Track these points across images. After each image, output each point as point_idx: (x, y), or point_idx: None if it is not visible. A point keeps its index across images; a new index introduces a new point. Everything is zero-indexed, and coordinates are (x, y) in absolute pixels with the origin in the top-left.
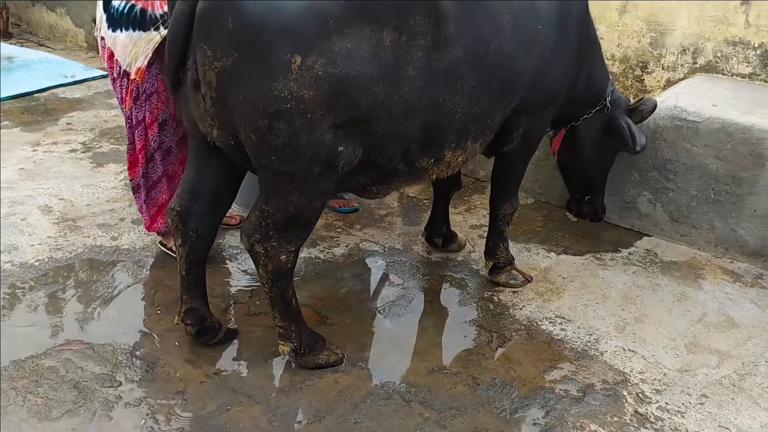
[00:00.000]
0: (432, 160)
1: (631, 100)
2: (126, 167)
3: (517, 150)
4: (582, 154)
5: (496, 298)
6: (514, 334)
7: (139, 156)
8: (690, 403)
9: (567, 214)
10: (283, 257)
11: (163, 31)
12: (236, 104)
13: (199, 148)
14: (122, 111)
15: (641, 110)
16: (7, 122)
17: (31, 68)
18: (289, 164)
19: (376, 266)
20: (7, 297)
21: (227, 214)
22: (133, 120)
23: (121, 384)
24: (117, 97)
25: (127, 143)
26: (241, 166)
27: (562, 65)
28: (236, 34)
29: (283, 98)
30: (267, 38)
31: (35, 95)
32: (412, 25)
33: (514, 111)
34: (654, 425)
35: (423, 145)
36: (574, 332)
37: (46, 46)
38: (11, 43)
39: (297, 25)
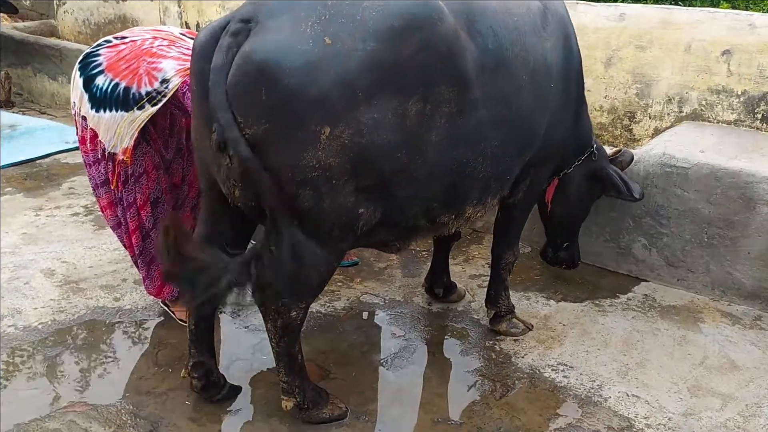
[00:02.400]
0: (453, 216)
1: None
2: None
3: (521, 201)
4: (569, 201)
5: (497, 347)
6: (517, 382)
7: (133, 237)
8: None
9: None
10: (293, 313)
11: (150, 109)
12: (263, 171)
13: (213, 204)
14: (98, 193)
15: (620, 161)
16: (10, 188)
17: (34, 135)
18: (311, 227)
19: (378, 319)
20: (11, 360)
21: None
22: (124, 202)
23: None
24: (95, 182)
25: (111, 225)
26: (252, 222)
27: (567, 118)
28: (269, 106)
29: (311, 167)
30: (299, 110)
31: (38, 161)
32: (437, 94)
33: (525, 164)
34: None
35: (445, 203)
36: (576, 379)
37: (48, 114)
38: (14, 112)
39: (328, 98)
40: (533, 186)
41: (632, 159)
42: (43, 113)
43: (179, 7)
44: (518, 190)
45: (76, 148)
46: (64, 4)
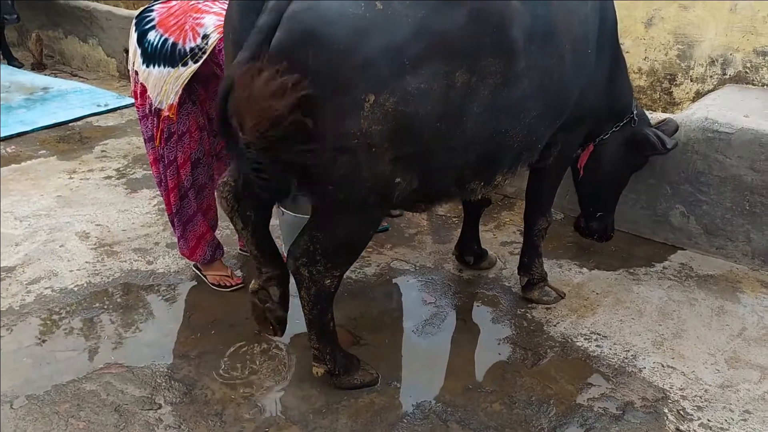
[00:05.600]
0: (483, 183)
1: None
2: (158, 192)
3: (553, 166)
4: (601, 169)
5: (529, 315)
6: (549, 351)
7: (171, 195)
8: (733, 419)
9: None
10: (327, 281)
11: (192, 66)
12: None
13: None
14: (147, 148)
15: (663, 131)
16: (44, 151)
17: (66, 98)
18: (346, 194)
19: (408, 285)
20: (48, 322)
21: None
22: (165, 159)
23: (160, 407)
24: (144, 136)
25: (156, 181)
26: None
27: (599, 81)
28: (315, 71)
29: (352, 134)
30: (345, 76)
31: (70, 124)
32: (485, 65)
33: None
34: None
35: (477, 171)
36: (610, 348)
37: (80, 76)
38: (46, 74)
39: (375, 65)
40: (564, 151)
41: (677, 129)
42: (75, 75)
43: None
44: (549, 154)
45: (108, 111)
46: None
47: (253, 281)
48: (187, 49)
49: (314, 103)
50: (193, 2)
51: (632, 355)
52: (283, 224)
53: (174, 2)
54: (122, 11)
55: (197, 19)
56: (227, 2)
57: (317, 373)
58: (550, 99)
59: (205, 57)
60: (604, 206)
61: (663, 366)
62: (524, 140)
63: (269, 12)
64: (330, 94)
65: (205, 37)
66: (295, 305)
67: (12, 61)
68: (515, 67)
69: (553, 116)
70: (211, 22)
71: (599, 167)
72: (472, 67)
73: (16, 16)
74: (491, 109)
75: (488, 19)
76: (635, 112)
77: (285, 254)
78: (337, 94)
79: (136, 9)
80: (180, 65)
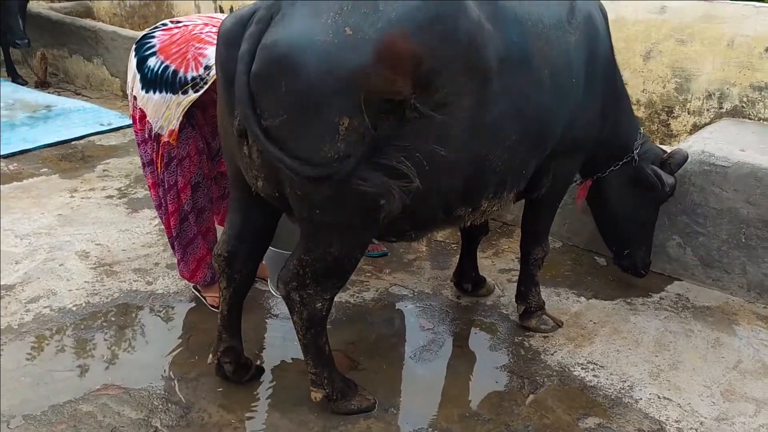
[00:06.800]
0: (469, 210)
1: (665, 153)
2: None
3: (547, 196)
4: (610, 207)
5: (527, 344)
6: (546, 380)
7: (171, 219)
8: None
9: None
10: (318, 305)
11: (192, 95)
12: (281, 161)
13: (242, 193)
14: (145, 172)
15: (669, 163)
16: (46, 169)
17: (69, 117)
18: (332, 217)
19: (406, 311)
20: (46, 342)
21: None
22: (165, 184)
23: (156, 429)
24: (143, 160)
25: (155, 204)
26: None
27: (589, 114)
28: (287, 97)
29: (330, 158)
30: (317, 102)
31: (73, 143)
32: (458, 86)
33: (545, 158)
34: None
35: (462, 196)
36: (607, 379)
37: (83, 95)
38: (49, 93)
39: (347, 89)
40: (557, 181)
41: (685, 159)
42: (78, 94)
43: None
44: (541, 185)
45: (111, 130)
46: None
47: (210, 355)
48: (188, 78)
49: (291, 129)
50: (195, 32)
51: (629, 386)
52: (267, 260)
53: (175, 30)
54: (127, 32)
55: (200, 49)
56: None
57: (315, 398)
58: (529, 124)
59: (206, 87)
60: (626, 243)
61: (659, 397)
62: (506, 165)
63: (248, 40)
64: (304, 119)
65: (207, 68)
66: (292, 328)
67: (16, 79)
68: (490, 89)
69: (535, 142)
70: (213, 54)
71: (604, 205)
72: (446, 88)
73: (27, 41)
74: (469, 131)
75: (459, 41)
76: (637, 151)
77: (272, 289)
78: (310, 119)
79: (142, 30)
80: (180, 93)
